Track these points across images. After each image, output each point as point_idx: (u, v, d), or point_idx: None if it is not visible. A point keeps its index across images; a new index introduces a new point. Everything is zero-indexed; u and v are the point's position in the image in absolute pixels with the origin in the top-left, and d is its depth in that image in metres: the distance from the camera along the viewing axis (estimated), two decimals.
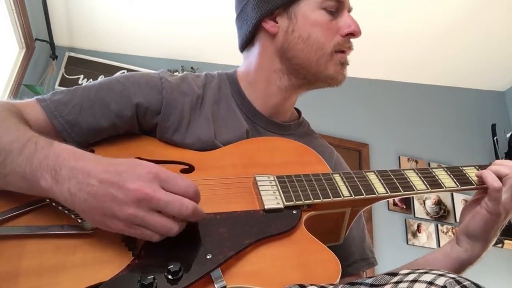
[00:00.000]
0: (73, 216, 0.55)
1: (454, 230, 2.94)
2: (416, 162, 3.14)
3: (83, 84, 0.73)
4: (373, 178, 0.69)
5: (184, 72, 0.85)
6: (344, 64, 0.79)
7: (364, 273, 0.86)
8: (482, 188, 0.71)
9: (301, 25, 0.77)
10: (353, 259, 0.83)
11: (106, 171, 0.51)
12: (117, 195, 0.49)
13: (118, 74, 0.78)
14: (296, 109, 0.93)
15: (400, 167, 3.05)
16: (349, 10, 0.81)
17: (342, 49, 0.78)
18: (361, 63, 3.04)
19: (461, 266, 0.72)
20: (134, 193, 0.49)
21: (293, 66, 0.79)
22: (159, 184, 0.50)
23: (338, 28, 0.77)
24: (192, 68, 3.03)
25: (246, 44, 0.85)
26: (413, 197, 2.99)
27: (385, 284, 0.46)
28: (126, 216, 0.49)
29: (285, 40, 0.78)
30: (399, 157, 3.14)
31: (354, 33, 0.78)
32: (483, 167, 0.73)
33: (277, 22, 0.79)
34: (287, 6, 0.78)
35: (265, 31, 0.80)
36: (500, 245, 2.95)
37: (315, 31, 0.76)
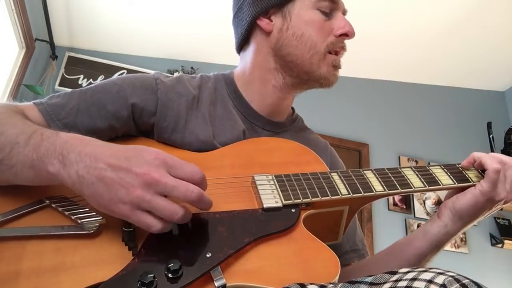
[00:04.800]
0: (73, 217, 0.56)
1: None
2: (416, 162, 3.15)
3: (82, 85, 0.74)
4: (370, 176, 0.69)
5: (180, 74, 0.86)
6: (336, 66, 0.80)
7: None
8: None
9: (295, 24, 0.78)
10: (344, 250, 0.84)
11: (114, 155, 0.52)
12: (124, 179, 0.50)
13: (115, 76, 0.79)
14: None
15: None
16: (344, 13, 0.82)
17: (335, 49, 0.79)
18: (361, 63, 3.05)
19: (437, 244, 0.71)
20: (142, 177, 0.49)
21: (287, 64, 0.80)
22: (166, 170, 0.51)
23: (331, 28, 0.79)
24: (192, 68, 3.04)
25: (242, 43, 0.87)
26: (413, 197, 3.00)
27: (384, 283, 0.46)
28: (132, 199, 0.49)
29: (280, 37, 0.79)
30: (399, 157, 3.15)
31: (348, 34, 0.79)
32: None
33: (271, 20, 0.80)
34: (282, 5, 0.79)
35: (260, 29, 0.81)
36: (500, 245, 2.95)
37: (309, 29, 0.77)
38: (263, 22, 0.80)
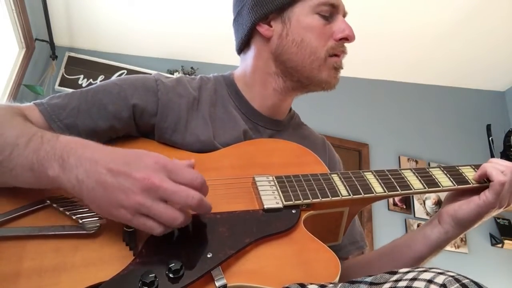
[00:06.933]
0: (73, 217, 0.56)
1: None
2: (416, 162, 3.15)
3: (82, 85, 0.74)
4: (370, 178, 0.70)
5: (179, 75, 0.86)
6: (337, 68, 0.80)
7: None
8: (478, 187, 0.71)
9: (294, 29, 0.78)
10: (342, 243, 0.84)
11: (113, 160, 0.52)
12: (124, 184, 0.50)
13: (114, 77, 0.79)
14: None
15: (400, 167, 3.06)
16: (344, 15, 0.82)
17: (336, 53, 0.79)
18: (361, 63, 3.05)
19: (436, 247, 0.73)
20: (141, 182, 0.49)
21: (287, 69, 0.80)
22: (166, 174, 0.51)
23: (332, 32, 0.78)
24: (192, 68, 3.04)
25: (242, 47, 0.87)
26: (413, 197, 3.00)
27: (384, 283, 0.46)
28: (132, 204, 0.49)
29: (279, 43, 0.79)
30: (399, 157, 3.15)
31: (348, 38, 0.79)
32: (478, 166, 0.73)
33: (271, 26, 0.80)
34: (282, 11, 0.79)
35: (260, 34, 0.81)
36: (500, 245, 2.95)
37: (308, 35, 0.77)
38: (262, 28, 0.80)
